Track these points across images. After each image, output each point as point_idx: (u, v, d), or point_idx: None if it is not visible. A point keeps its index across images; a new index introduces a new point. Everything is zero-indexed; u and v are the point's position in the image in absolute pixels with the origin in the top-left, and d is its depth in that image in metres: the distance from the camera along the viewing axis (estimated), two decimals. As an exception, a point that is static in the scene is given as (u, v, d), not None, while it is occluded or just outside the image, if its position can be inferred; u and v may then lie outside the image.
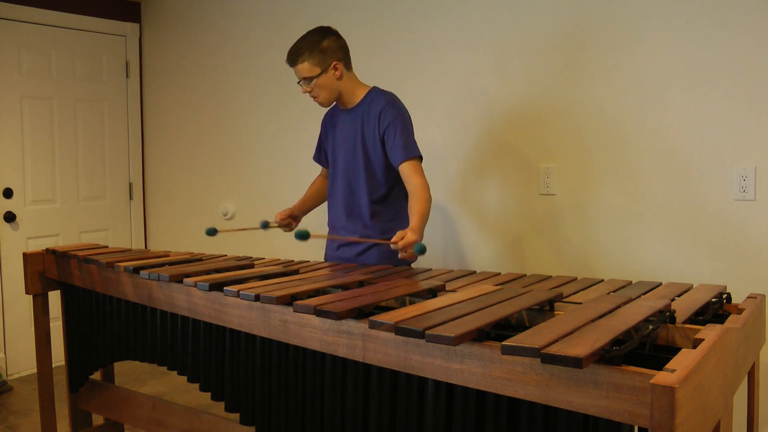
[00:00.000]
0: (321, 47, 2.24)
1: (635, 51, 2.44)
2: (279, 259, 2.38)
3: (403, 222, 2.30)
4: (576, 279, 1.94)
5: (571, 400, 1.15)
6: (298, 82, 2.32)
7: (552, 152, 2.67)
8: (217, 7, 3.88)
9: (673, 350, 1.29)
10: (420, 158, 2.25)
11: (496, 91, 2.80)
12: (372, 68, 2.94)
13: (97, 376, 2.72)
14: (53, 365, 2.68)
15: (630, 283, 1.86)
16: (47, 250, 2.57)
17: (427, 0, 2.99)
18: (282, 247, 3.58)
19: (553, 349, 1.11)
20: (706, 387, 1.13)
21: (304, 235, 2.11)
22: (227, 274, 1.99)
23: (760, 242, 2.22)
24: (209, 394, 1.96)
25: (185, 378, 2.03)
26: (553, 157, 2.67)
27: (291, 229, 2.53)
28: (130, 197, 4.38)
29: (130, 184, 4.37)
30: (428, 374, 1.35)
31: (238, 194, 3.88)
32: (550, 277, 2.01)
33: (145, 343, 2.18)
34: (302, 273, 2.05)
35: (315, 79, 2.26)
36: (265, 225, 2.47)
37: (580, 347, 1.12)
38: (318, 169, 2.65)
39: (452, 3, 2.91)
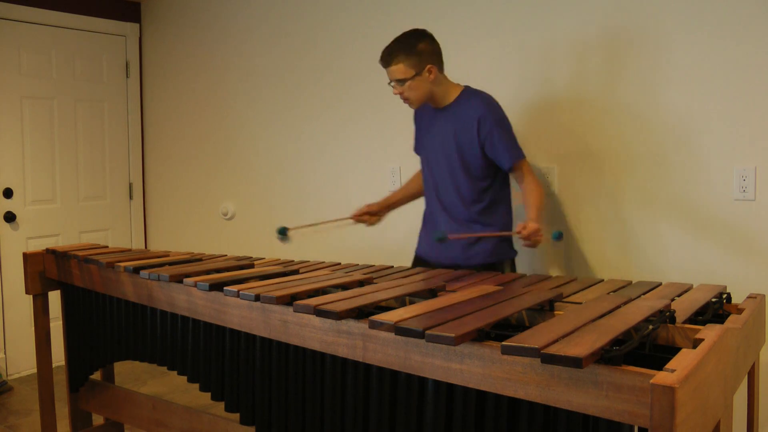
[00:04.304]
0: (417, 50, 2.22)
1: (635, 53, 2.44)
2: (279, 259, 2.39)
3: (498, 218, 2.34)
4: (576, 279, 1.95)
5: (571, 400, 1.15)
6: (389, 83, 2.29)
7: (552, 152, 2.66)
8: (217, 7, 3.88)
9: (673, 350, 1.29)
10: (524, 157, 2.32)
11: (497, 86, 2.80)
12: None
13: (97, 376, 2.72)
14: (53, 365, 2.68)
15: (630, 283, 1.86)
16: (47, 250, 2.57)
17: None
18: (282, 247, 3.58)
19: (553, 349, 1.11)
20: (706, 387, 1.13)
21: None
22: (227, 274, 1.99)
23: (760, 242, 2.22)
24: (209, 394, 1.96)
25: (185, 378, 2.03)
26: (553, 157, 2.67)
27: (371, 224, 2.55)
28: (130, 197, 4.38)
29: (130, 184, 4.37)
30: (428, 374, 1.35)
31: (238, 194, 3.88)
32: (550, 277, 2.02)
33: (145, 343, 2.18)
34: (302, 273, 2.05)
35: (409, 81, 2.23)
36: (283, 231, 2.49)
37: (580, 347, 1.12)
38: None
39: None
